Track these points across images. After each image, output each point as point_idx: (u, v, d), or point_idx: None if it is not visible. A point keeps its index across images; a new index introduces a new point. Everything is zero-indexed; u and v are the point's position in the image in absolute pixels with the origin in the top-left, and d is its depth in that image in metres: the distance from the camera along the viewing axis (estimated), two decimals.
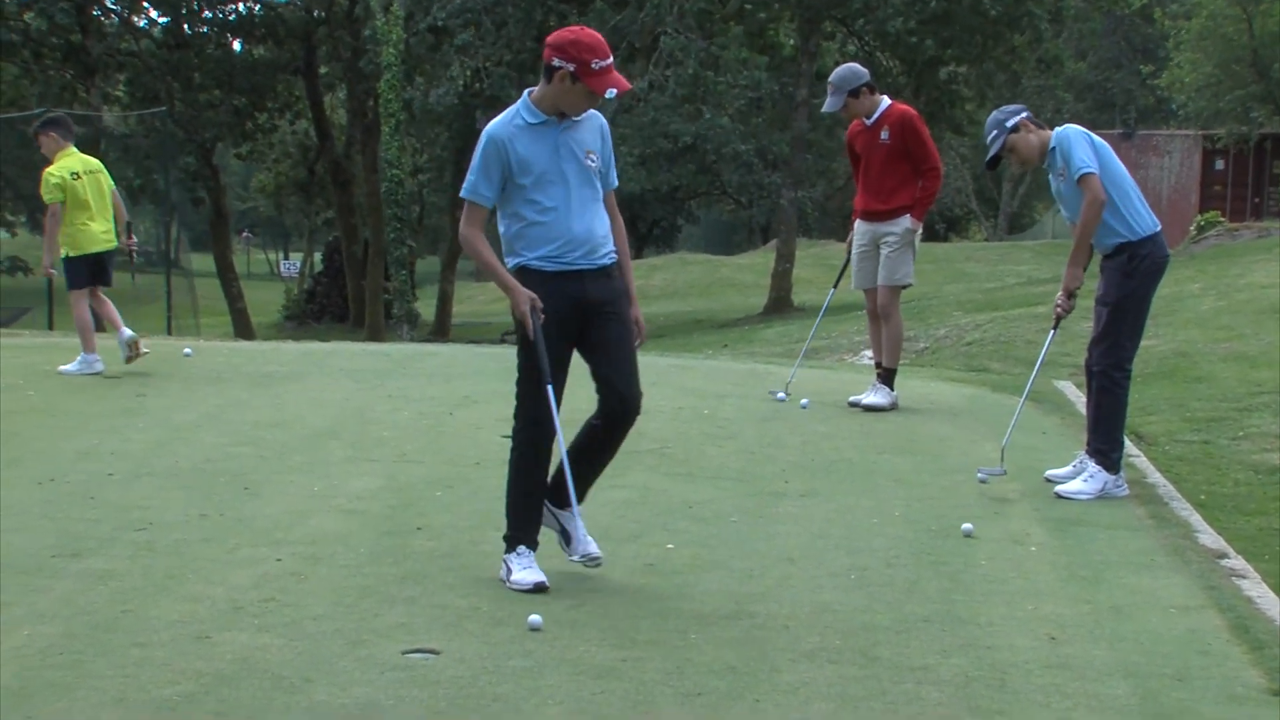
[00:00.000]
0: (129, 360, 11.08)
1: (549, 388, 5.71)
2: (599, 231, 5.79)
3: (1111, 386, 7.74)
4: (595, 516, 6.52)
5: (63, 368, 11.03)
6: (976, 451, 8.63)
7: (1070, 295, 7.82)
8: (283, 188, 58.14)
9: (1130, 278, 7.62)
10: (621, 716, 4.48)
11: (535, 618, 5.30)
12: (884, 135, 9.96)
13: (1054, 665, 5.07)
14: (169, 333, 25.16)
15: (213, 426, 9.03)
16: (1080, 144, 7.55)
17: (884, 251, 10.07)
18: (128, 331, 11.22)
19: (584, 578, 5.96)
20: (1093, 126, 7.91)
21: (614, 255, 5.86)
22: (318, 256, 58.72)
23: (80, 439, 8.49)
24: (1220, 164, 38.03)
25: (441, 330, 41.81)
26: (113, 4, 40.34)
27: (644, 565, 5.78)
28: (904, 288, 10.24)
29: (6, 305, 36.79)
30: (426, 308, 43.89)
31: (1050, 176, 7.85)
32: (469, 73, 33.90)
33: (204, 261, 48.13)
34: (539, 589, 5.68)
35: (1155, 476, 8.33)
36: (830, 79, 10.06)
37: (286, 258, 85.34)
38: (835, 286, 11.11)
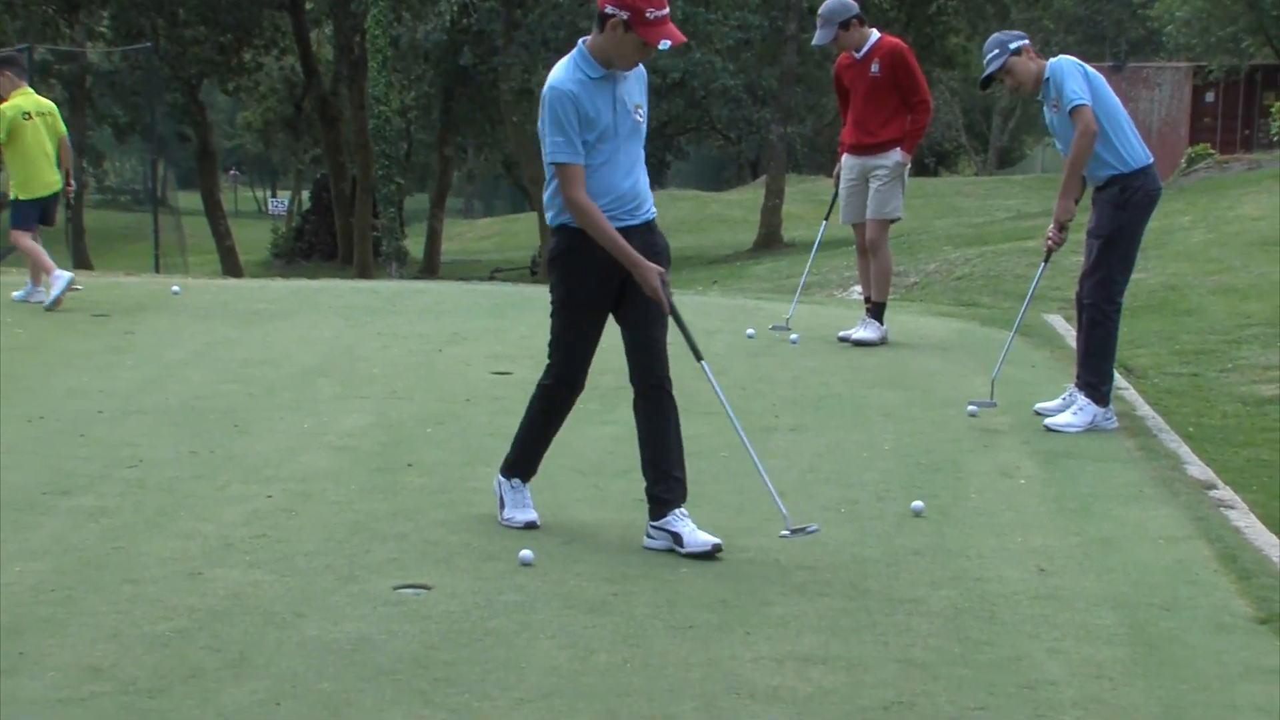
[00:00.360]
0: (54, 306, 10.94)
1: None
2: (643, 186, 5.64)
3: (1102, 320, 7.74)
4: (585, 452, 6.54)
5: (45, 302, 10.95)
6: (966, 385, 8.64)
7: (1061, 228, 7.80)
8: (270, 125, 57.77)
9: (1122, 210, 7.60)
10: (613, 650, 4.50)
11: (526, 553, 5.31)
12: (874, 68, 9.89)
13: (1043, 596, 5.10)
14: (157, 270, 25.09)
15: (202, 364, 9.01)
16: (1073, 75, 7.51)
17: (873, 185, 10.03)
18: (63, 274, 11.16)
19: (574, 513, 5.98)
20: (1083, 59, 7.84)
21: (654, 210, 5.70)
22: (306, 194, 58.47)
23: (69, 377, 8.48)
24: (1210, 96, 37.89)
25: (430, 267, 41.73)
26: None
27: (634, 500, 5.79)
28: (893, 221, 10.21)
29: None
30: (415, 245, 43.74)
31: (1044, 109, 7.82)
32: (456, 8, 33.62)
33: (191, 199, 48.00)
34: (530, 526, 5.70)
35: (1144, 409, 8.35)
36: (820, 11, 9.98)
37: (274, 195, 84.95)
38: (826, 220, 11.08)
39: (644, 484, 5.65)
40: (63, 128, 11.65)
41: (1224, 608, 5.04)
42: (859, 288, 12.66)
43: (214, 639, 4.50)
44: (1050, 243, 7.91)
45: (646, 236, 5.61)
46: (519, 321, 10.72)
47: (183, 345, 9.66)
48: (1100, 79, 7.65)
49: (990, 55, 7.73)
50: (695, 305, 11.78)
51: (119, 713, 3.95)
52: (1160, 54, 44.32)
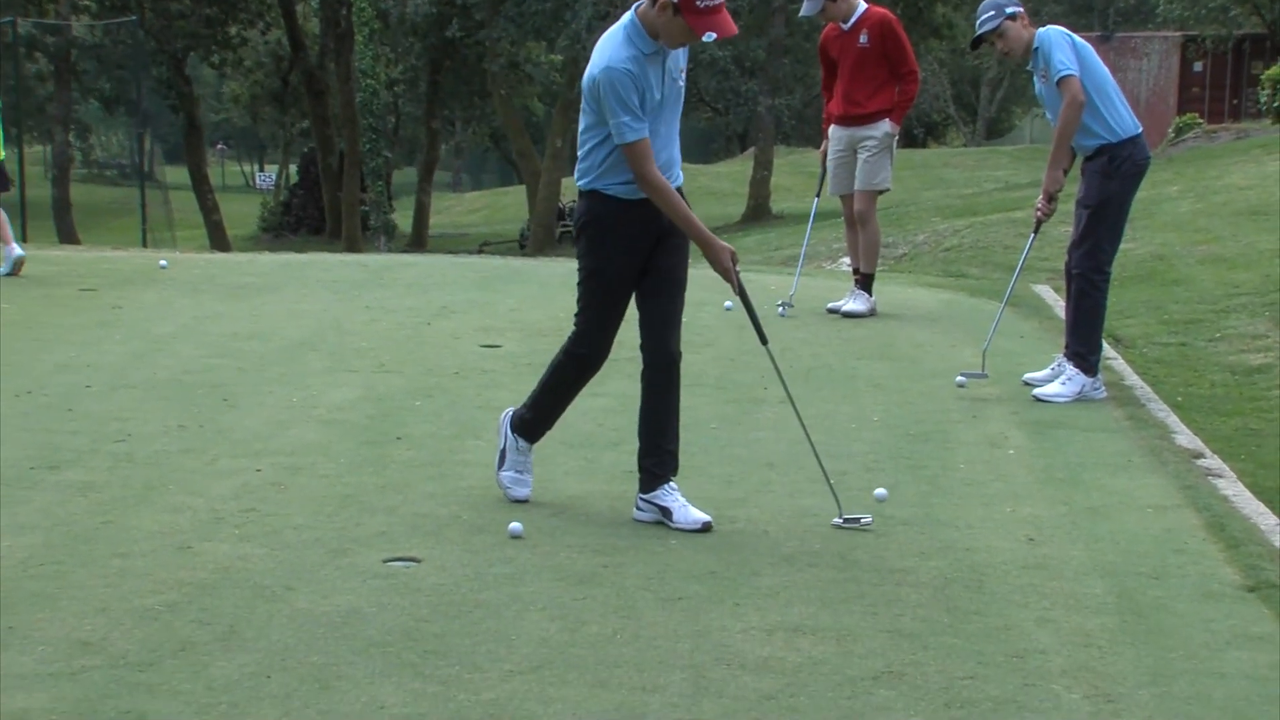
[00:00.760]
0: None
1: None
2: (678, 155, 5.61)
3: (1090, 289, 7.74)
4: (576, 425, 6.53)
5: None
6: (954, 356, 8.65)
7: (1050, 198, 7.80)
8: (257, 99, 57.58)
9: (1110, 179, 7.60)
10: (603, 621, 4.51)
11: (516, 525, 5.31)
12: (862, 39, 9.85)
13: (1031, 566, 5.11)
14: (144, 245, 25.05)
15: (190, 338, 8.99)
16: (1061, 46, 7.50)
17: (862, 156, 10.01)
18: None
19: (564, 486, 5.98)
20: (1071, 29, 7.83)
21: (681, 176, 5.64)
22: (293, 168, 58.29)
23: (57, 351, 8.45)
24: (1199, 66, 37.86)
25: (419, 241, 41.67)
26: None
27: (624, 472, 5.79)
28: (881, 192, 10.19)
29: None
30: (403, 219, 43.66)
31: (1034, 78, 7.81)
32: None
33: (178, 174, 47.86)
34: (518, 501, 5.69)
35: (1133, 379, 8.37)
36: None
37: (262, 169, 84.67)
38: (818, 195, 11.04)
39: (635, 455, 5.65)
40: None
41: (1212, 576, 5.06)
42: (848, 259, 12.65)
43: (203, 612, 4.49)
44: (1039, 214, 7.90)
45: (658, 212, 5.53)
46: (507, 295, 10.71)
47: (171, 319, 9.64)
48: (1089, 49, 7.64)
49: (985, 15, 7.69)
50: None
51: (109, 686, 3.95)
52: (1149, 24, 44.27)
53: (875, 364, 8.54)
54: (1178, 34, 37.47)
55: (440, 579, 4.85)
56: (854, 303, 10.07)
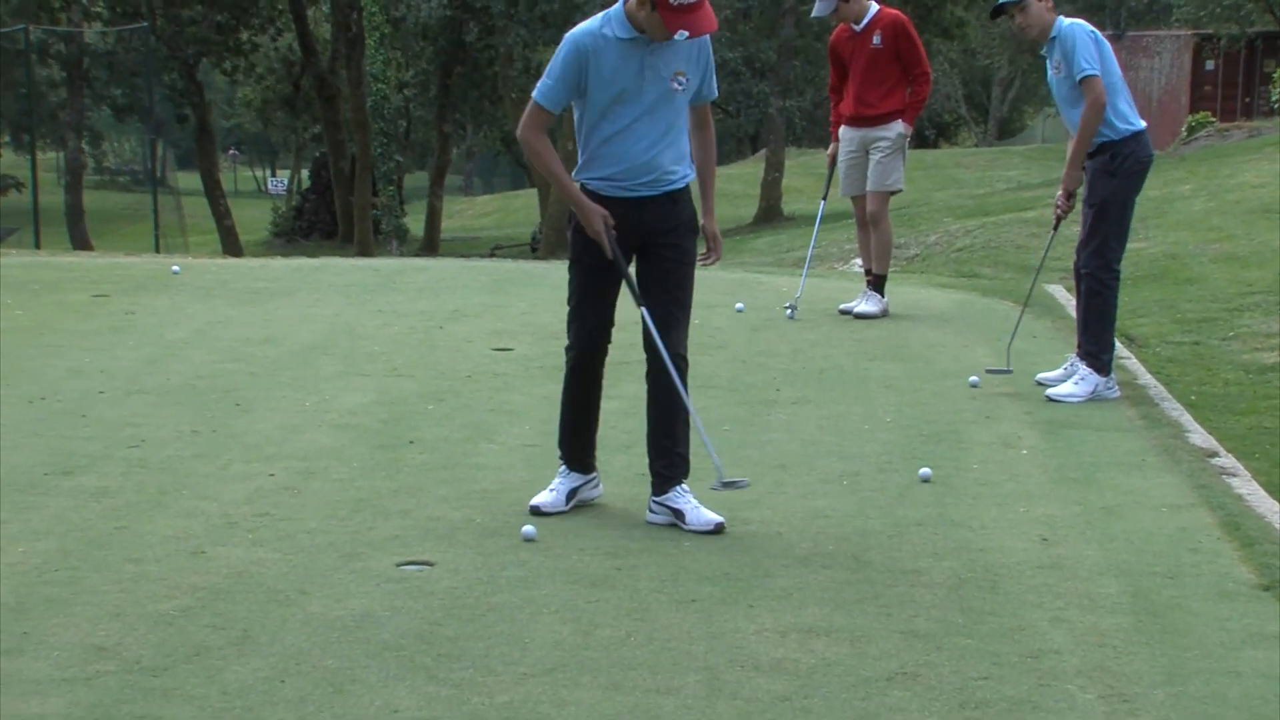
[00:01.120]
0: None
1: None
2: (667, 158, 5.47)
3: (1101, 288, 7.73)
4: None
5: None
6: (967, 357, 8.63)
7: (1069, 196, 7.80)
8: (268, 104, 57.66)
9: (1113, 177, 7.60)
10: (616, 624, 4.51)
11: (529, 528, 5.31)
12: (875, 40, 9.84)
13: (1046, 566, 5.10)
14: (157, 250, 25.11)
15: (203, 343, 9.01)
16: (1086, 44, 7.49)
17: (875, 157, 10.00)
18: None
19: None
20: None
21: (685, 179, 5.55)
22: (305, 173, 58.36)
23: (70, 357, 8.47)
24: (1211, 64, 37.74)
25: (430, 245, 41.67)
26: None
27: (636, 475, 5.79)
28: (894, 193, 10.18)
29: None
30: (415, 223, 43.70)
31: (1047, 65, 7.79)
32: None
33: (190, 179, 47.93)
34: (532, 511, 5.62)
35: (1146, 378, 8.35)
36: None
37: (274, 175, 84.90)
38: (825, 198, 11.02)
39: (646, 458, 5.65)
40: None
41: (1226, 575, 5.05)
42: (859, 260, 12.63)
43: (217, 617, 4.50)
44: (1059, 211, 7.90)
45: (666, 207, 5.52)
46: (519, 298, 10.71)
47: (183, 325, 9.65)
48: (1107, 46, 7.65)
49: None
50: (695, 279, 11.74)
51: (123, 691, 3.95)
52: (1161, 23, 44.17)
53: (888, 364, 8.53)
54: (1190, 32, 37.37)
55: (453, 582, 4.85)
56: (866, 304, 10.06)
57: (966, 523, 5.59)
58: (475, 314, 10.06)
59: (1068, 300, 10.54)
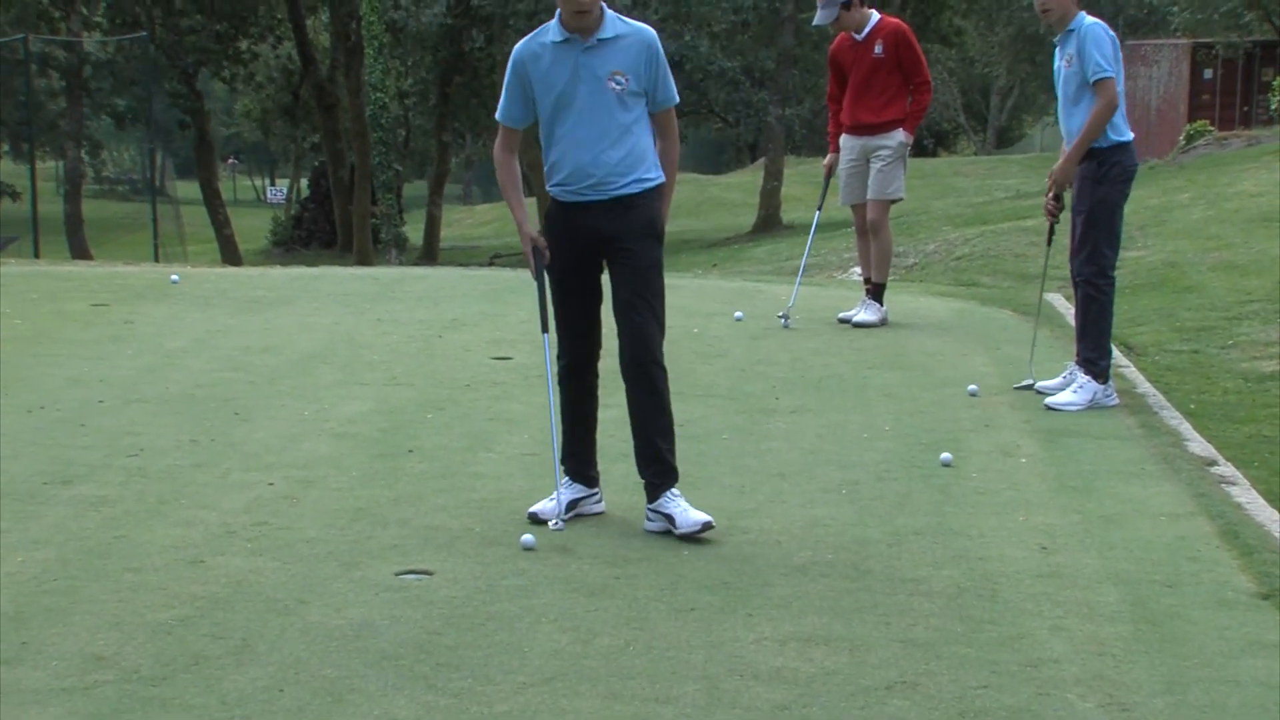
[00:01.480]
0: None
1: (572, 326, 5.64)
2: (611, 160, 5.44)
3: (1096, 295, 7.75)
4: None
5: None
6: (966, 365, 8.64)
7: (1058, 197, 7.84)
8: (268, 112, 57.69)
9: (1100, 184, 7.63)
10: (615, 633, 4.50)
11: (528, 537, 5.31)
12: (877, 49, 9.86)
13: (1045, 574, 5.10)
14: (156, 260, 25.11)
15: (202, 352, 9.01)
16: (1104, 44, 7.53)
17: (875, 165, 10.01)
18: None
19: None
20: None
21: (640, 184, 5.49)
22: (304, 182, 58.39)
23: (69, 366, 8.47)
24: (1209, 73, 37.77)
25: (430, 254, 41.66)
26: None
27: (634, 484, 5.78)
28: (894, 202, 10.20)
29: None
30: (414, 232, 43.70)
31: (1056, 53, 7.80)
32: None
33: (190, 189, 47.92)
34: (530, 518, 5.63)
35: (1145, 386, 8.35)
36: None
37: (273, 184, 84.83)
38: (820, 207, 11.04)
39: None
40: None
41: (1226, 583, 5.05)
42: (858, 269, 12.64)
43: (216, 626, 4.50)
44: (1050, 211, 7.94)
45: (616, 212, 5.49)
46: (518, 307, 10.71)
47: (182, 334, 9.66)
48: (1119, 53, 7.68)
49: None
50: (694, 288, 11.78)
51: (122, 701, 3.95)
52: (1159, 32, 44.24)
53: (887, 373, 8.53)
54: (1188, 41, 37.40)
55: (452, 591, 4.85)
56: (865, 313, 10.06)
57: (965, 531, 5.58)
58: (474, 323, 10.06)
59: (1066, 309, 10.54)
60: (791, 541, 5.46)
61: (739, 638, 4.48)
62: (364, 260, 34.85)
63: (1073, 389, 7.71)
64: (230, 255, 39.22)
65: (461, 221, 56.93)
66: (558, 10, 5.46)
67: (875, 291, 10.16)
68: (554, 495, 5.70)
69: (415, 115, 48.18)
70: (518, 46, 5.53)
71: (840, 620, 4.64)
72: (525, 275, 5.89)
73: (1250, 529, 5.62)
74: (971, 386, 7.93)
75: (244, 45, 43.24)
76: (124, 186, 58.92)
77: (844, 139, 10.18)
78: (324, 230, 47.38)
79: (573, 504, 5.68)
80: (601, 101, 5.43)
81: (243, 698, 3.99)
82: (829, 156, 10.39)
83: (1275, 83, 27.23)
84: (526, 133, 5.69)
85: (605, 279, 5.70)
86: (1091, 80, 7.51)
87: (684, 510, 5.50)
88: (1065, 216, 8.01)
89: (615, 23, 5.46)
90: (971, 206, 26.36)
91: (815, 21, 10.21)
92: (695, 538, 5.43)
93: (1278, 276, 12.07)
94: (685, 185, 47.70)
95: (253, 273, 14.19)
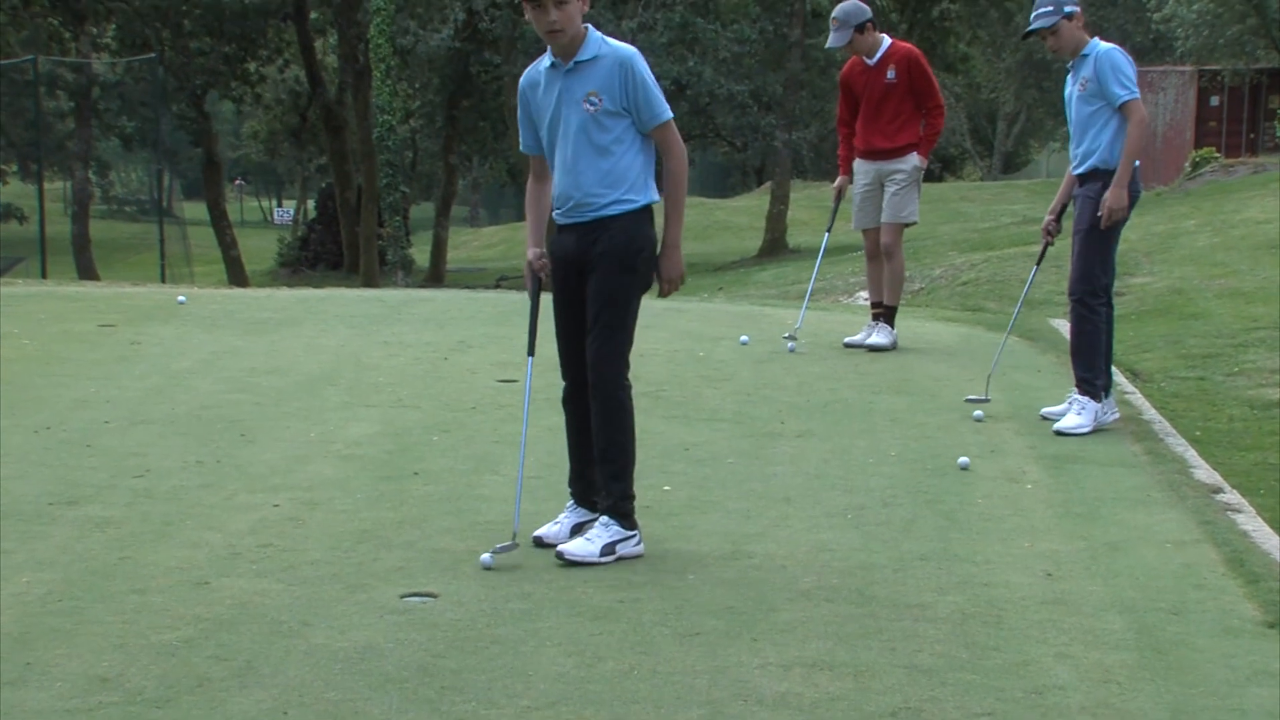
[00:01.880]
0: None
1: (558, 347, 5.72)
2: (586, 182, 5.44)
3: (1089, 314, 7.78)
4: None
5: None
6: (972, 390, 8.62)
7: (1058, 219, 8.02)
8: (275, 134, 57.86)
9: (1102, 206, 7.64)
10: (619, 657, 4.50)
11: (486, 556, 5.32)
12: (890, 74, 9.89)
13: (1050, 601, 5.09)
14: (163, 280, 25.14)
15: (208, 373, 9.02)
16: (1126, 67, 7.61)
17: (890, 189, 10.04)
18: None
19: None
20: None
21: (619, 206, 5.46)
22: (311, 203, 58.54)
23: (76, 387, 8.48)
24: (1215, 100, 37.85)
25: (436, 276, 41.79)
26: None
27: (641, 507, 5.78)
28: (908, 226, 10.23)
29: (0, 255, 36.73)
30: (421, 254, 43.81)
31: (1068, 78, 7.83)
32: (462, 14, 33.68)
33: (197, 210, 48.09)
34: (535, 542, 5.62)
35: (1151, 413, 8.34)
36: (835, 14, 9.92)
37: (280, 205, 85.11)
38: (829, 230, 11.06)
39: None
40: None
41: (1232, 612, 5.03)
42: (864, 293, 12.65)
43: (221, 648, 4.50)
44: (1046, 237, 8.09)
45: (588, 236, 5.51)
46: (524, 330, 10.67)
47: (189, 355, 9.67)
48: (1135, 73, 7.74)
49: (1043, 10, 7.69)
50: (700, 311, 11.79)
51: None
52: (1167, 58, 44.32)
53: (892, 398, 8.53)
54: (1194, 68, 37.48)
55: (457, 614, 4.85)
56: (878, 336, 10.08)
57: (970, 557, 5.58)
58: (480, 345, 10.07)
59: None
60: (796, 566, 5.45)
61: (744, 663, 4.47)
62: (370, 282, 34.95)
63: (1075, 411, 7.72)
64: (237, 276, 39.31)
65: (468, 244, 57.06)
66: None
67: (887, 315, 10.18)
68: (558, 519, 5.70)
69: (422, 138, 48.38)
70: (523, 74, 5.61)
71: (845, 646, 4.63)
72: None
73: (1256, 557, 5.61)
74: (977, 412, 7.94)
75: (252, 67, 43.40)
76: (131, 207, 59.10)
77: (858, 163, 10.19)
78: (331, 251, 47.50)
79: (577, 528, 5.68)
80: (579, 123, 5.46)
81: None
82: (839, 180, 10.41)
83: None
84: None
85: None
86: (1119, 105, 7.55)
87: (587, 540, 5.49)
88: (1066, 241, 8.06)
89: (596, 44, 5.43)
90: (977, 232, 26.39)
91: (828, 44, 10.22)
92: (628, 559, 5.46)
93: None
94: (692, 209, 47.75)
95: (259, 294, 14.21)
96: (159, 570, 5.23)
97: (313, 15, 43.41)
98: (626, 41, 5.65)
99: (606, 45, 5.45)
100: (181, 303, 12.05)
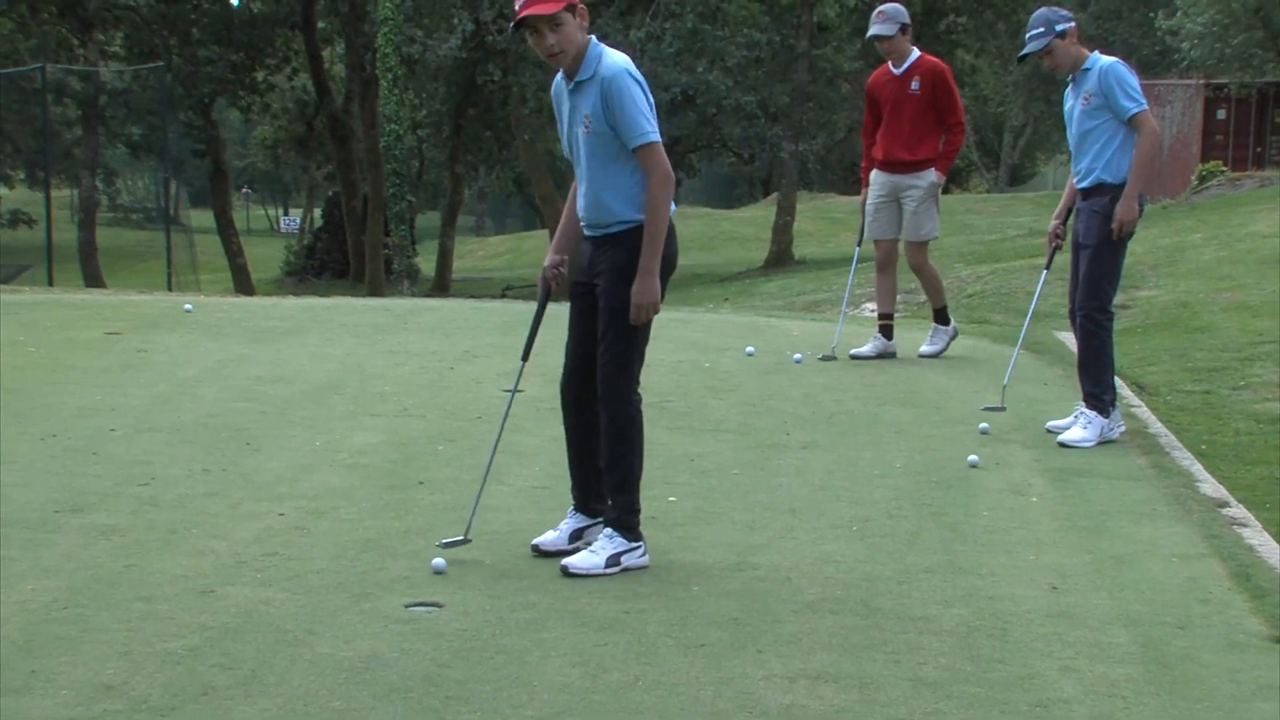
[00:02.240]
0: None
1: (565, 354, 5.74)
2: (602, 199, 5.47)
3: (1095, 329, 7.78)
4: None
5: None
6: (977, 402, 8.63)
7: (1063, 222, 8.09)
8: (281, 143, 57.95)
9: (1107, 219, 7.66)
10: (624, 667, 4.50)
11: (439, 561, 5.36)
12: (914, 86, 9.89)
13: (1055, 614, 5.08)
14: (169, 288, 25.17)
15: (214, 382, 9.03)
16: (1131, 79, 7.64)
17: (908, 207, 10.05)
18: None
19: None
20: None
21: (622, 225, 5.46)
22: (317, 212, 58.66)
23: (82, 395, 8.49)
24: (1222, 113, 37.83)
25: (442, 285, 41.79)
26: None
27: (646, 518, 5.78)
28: (929, 241, 10.27)
29: (6, 262, 36.81)
30: (427, 263, 43.84)
31: (1067, 91, 7.84)
32: (470, 24, 33.72)
33: (204, 218, 48.13)
34: (534, 550, 5.65)
35: (1157, 426, 8.34)
36: (884, 7, 9.91)
37: (286, 214, 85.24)
38: (859, 244, 10.93)
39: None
40: None
41: (1237, 626, 5.03)
42: (871, 305, 12.65)
43: (225, 657, 4.50)
44: (1054, 239, 8.20)
45: (603, 250, 5.54)
46: None
47: (195, 363, 9.68)
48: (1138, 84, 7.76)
49: (1035, 32, 7.71)
50: (706, 322, 11.79)
51: None
52: (1173, 71, 44.35)
53: (898, 410, 8.53)
54: (1201, 81, 37.47)
55: (462, 624, 4.85)
56: (934, 341, 10.34)
57: (976, 570, 5.57)
58: (486, 355, 10.07)
59: None
60: (801, 578, 5.45)
61: (748, 674, 4.47)
62: (376, 291, 34.95)
63: (1081, 424, 7.72)
64: (243, 284, 39.35)
65: (474, 253, 57.09)
66: None
67: (939, 315, 10.37)
68: (558, 527, 5.71)
69: (429, 147, 48.42)
70: (554, 80, 5.64)
71: (850, 658, 4.63)
72: None
73: (1262, 571, 5.60)
74: (983, 424, 7.93)
75: (260, 76, 43.48)
76: (138, 215, 59.16)
77: (874, 174, 10.17)
78: (337, 260, 47.57)
79: (577, 534, 5.69)
80: (584, 141, 5.50)
81: None
82: (864, 193, 10.37)
83: None
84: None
85: None
86: (1129, 118, 7.56)
87: (591, 552, 5.50)
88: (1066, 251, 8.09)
89: (593, 63, 5.40)
90: (984, 244, 26.38)
91: (870, 33, 10.13)
92: (632, 570, 5.47)
93: None
94: (697, 219, 47.85)
95: (265, 302, 14.22)
96: (164, 578, 5.23)
97: (320, 24, 43.52)
98: (635, 52, 5.66)
99: (600, 63, 5.40)
100: (188, 311, 12.06)
